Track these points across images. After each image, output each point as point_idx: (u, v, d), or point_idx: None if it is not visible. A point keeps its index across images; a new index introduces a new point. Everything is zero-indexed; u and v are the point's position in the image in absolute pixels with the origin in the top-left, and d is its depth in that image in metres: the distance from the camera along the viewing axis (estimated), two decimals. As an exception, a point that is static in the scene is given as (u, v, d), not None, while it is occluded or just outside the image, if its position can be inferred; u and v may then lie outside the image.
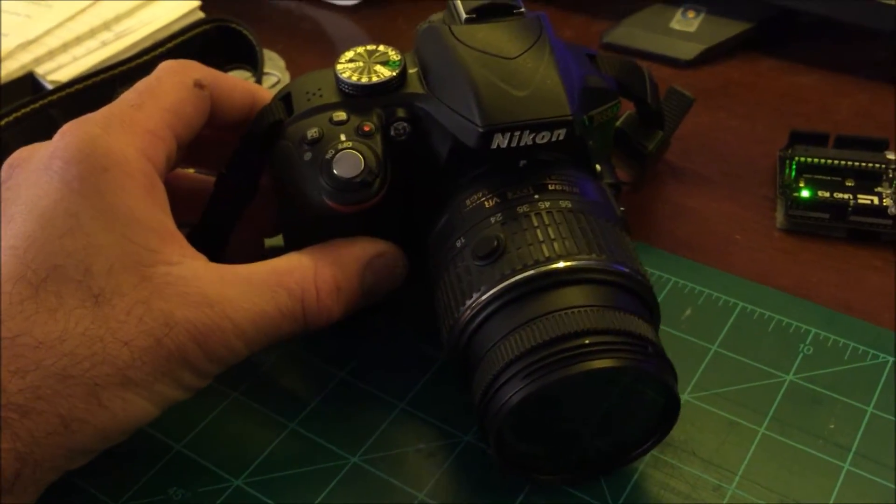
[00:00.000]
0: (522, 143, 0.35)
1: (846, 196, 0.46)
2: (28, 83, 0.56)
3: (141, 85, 0.37)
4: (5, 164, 0.35)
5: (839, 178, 0.47)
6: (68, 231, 0.32)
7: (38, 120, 0.51)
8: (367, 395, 0.39)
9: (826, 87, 0.58)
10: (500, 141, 0.35)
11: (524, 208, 0.35)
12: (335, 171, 0.35)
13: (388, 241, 0.38)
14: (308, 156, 0.36)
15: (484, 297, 0.33)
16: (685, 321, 0.42)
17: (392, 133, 0.37)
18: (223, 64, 0.59)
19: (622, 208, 0.38)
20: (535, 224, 0.34)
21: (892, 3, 0.53)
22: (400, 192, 0.37)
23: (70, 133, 0.34)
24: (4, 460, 0.29)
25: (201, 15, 0.64)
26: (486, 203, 0.36)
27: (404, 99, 0.37)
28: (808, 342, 0.41)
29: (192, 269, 0.33)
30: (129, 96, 0.36)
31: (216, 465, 0.37)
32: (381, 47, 0.38)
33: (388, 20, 0.67)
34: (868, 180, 0.47)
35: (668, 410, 0.34)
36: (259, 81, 0.57)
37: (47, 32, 0.60)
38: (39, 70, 0.57)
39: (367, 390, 0.40)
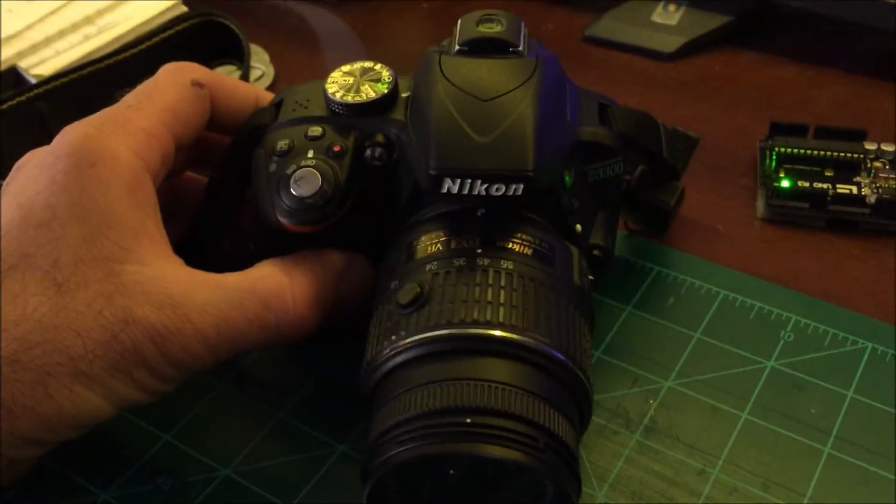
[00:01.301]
0: (476, 193, 0.33)
1: (825, 186, 0.47)
2: (12, 77, 0.56)
3: (140, 87, 0.37)
4: (14, 167, 0.36)
5: (819, 169, 0.48)
6: (44, 222, 0.32)
7: (24, 113, 0.51)
8: (353, 384, 0.39)
9: (805, 79, 0.59)
10: (451, 187, 0.33)
11: (460, 262, 0.32)
12: (291, 189, 0.34)
13: (354, 253, 0.38)
14: (273, 167, 0.35)
15: (398, 345, 0.31)
16: (668, 309, 0.42)
17: (367, 155, 0.36)
18: (210, 58, 0.59)
19: (591, 278, 0.36)
20: (465, 281, 0.32)
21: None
22: (367, 219, 0.36)
23: (66, 132, 0.34)
24: None
25: (184, 9, 0.64)
26: (429, 248, 0.34)
27: (384, 124, 0.36)
28: (789, 329, 0.41)
29: (162, 270, 0.33)
30: (127, 98, 0.37)
31: (205, 454, 0.37)
32: (378, 66, 0.37)
33: (370, 13, 0.67)
34: (847, 170, 0.47)
35: None
36: (245, 75, 0.58)
37: (29, 27, 0.60)
38: (23, 64, 0.57)
39: (352, 379, 0.40)
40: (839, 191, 0.46)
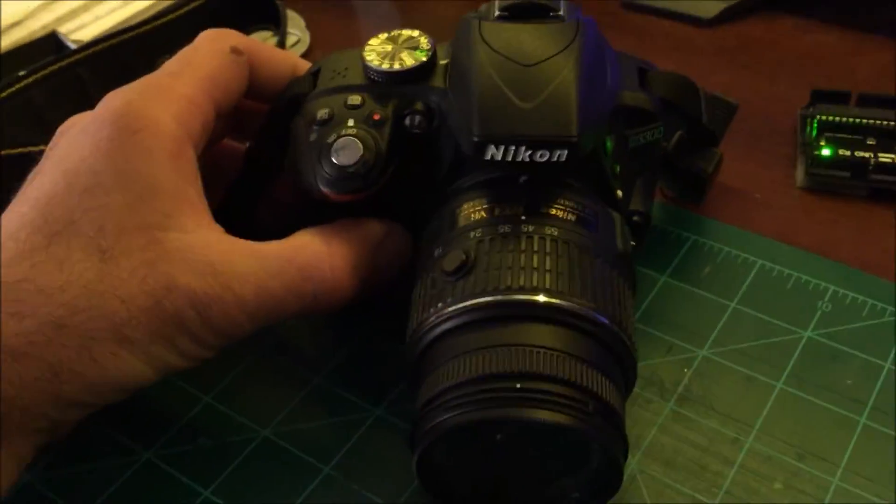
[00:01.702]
0: (520, 159, 0.33)
1: (867, 154, 0.46)
2: (51, 43, 0.57)
3: (180, 54, 0.38)
4: (57, 132, 0.36)
5: (860, 137, 0.47)
6: (88, 188, 0.32)
7: (65, 78, 0.52)
8: (391, 350, 0.40)
9: (847, 45, 0.57)
10: (495, 153, 0.33)
11: (505, 228, 0.32)
12: (332, 158, 0.34)
13: (393, 222, 0.38)
14: (313, 136, 0.35)
15: (443, 313, 0.31)
16: (704, 278, 0.42)
17: (407, 124, 0.36)
18: (247, 24, 0.59)
19: (633, 243, 0.36)
20: (511, 248, 0.32)
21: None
22: (409, 187, 0.36)
23: (109, 99, 0.35)
24: None
25: (222, -26, 0.64)
26: (473, 215, 0.34)
27: (424, 92, 0.36)
28: (826, 299, 0.41)
29: (204, 238, 0.33)
30: (168, 65, 0.37)
31: (244, 416, 0.38)
32: (416, 33, 0.37)
33: (407, -21, 0.67)
34: (889, 139, 0.47)
35: (609, 477, 0.31)
36: (282, 42, 0.58)
37: (69, -8, 0.60)
38: (62, 29, 0.58)
39: (392, 345, 0.40)
40: (881, 160, 0.46)
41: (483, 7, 0.38)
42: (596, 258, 0.32)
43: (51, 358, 0.30)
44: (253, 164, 0.40)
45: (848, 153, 0.46)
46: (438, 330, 0.31)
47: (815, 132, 0.47)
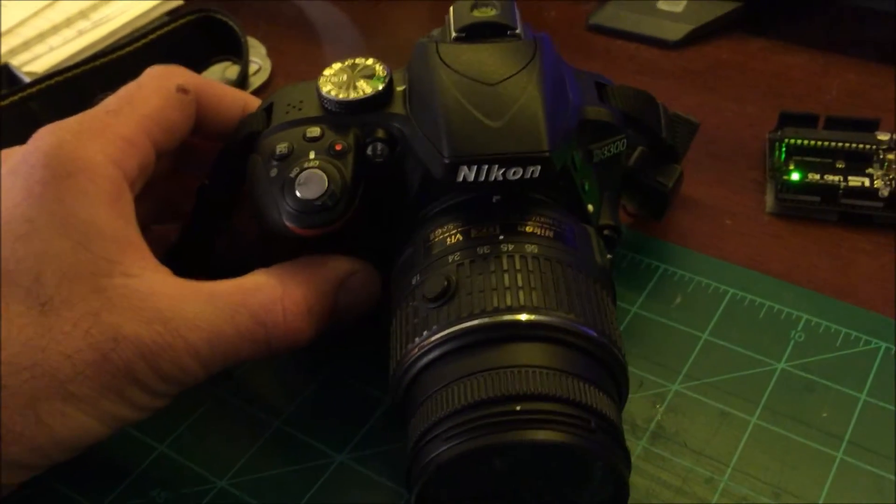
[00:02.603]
0: (492, 178, 0.32)
1: (837, 178, 0.45)
2: (4, 75, 0.55)
3: (122, 91, 0.36)
4: None
5: (830, 160, 0.46)
6: (23, 236, 0.31)
7: (17, 113, 0.50)
8: (354, 392, 0.39)
9: (815, 66, 0.57)
10: (467, 174, 0.32)
11: (484, 250, 0.32)
12: (297, 192, 0.33)
13: (361, 260, 0.36)
14: (274, 172, 0.34)
15: (428, 342, 0.30)
16: (675, 309, 0.41)
17: (369, 153, 0.35)
18: (207, 55, 0.58)
19: (609, 256, 0.35)
20: (492, 269, 0.31)
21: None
22: (376, 213, 0.35)
23: (41, 137, 0.33)
24: None
25: (179, 2, 0.63)
26: (448, 239, 0.33)
27: (384, 119, 0.35)
28: (799, 328, 0.40)
29: (150, 282, 0.32)
30: (108, 101, 0.36)
31: (200, 465, 0.36)
32: (370, 61, 0.36)
33: (371, 4, 0.66)
34: (859, 161, 0.46)
35: (616, 495, 0.31)
36: (245, 72, 0.57)
37: (22, 23, 0.59)
38: (14, 61, 0.56)
39: (353, 386, 0.39)
40: (851, 184, 0.45)
41: (436, 31, 0.37)
42: (578, 272, 0.32)
43: None
44: (206, 204, 0.38)
45: (817, 177, 0.46)
46: (426, 359, 0.31)
47: (783, 156, 0.47)
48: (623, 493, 0.30)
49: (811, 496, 0.34)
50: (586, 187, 0.37)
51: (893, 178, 0.45)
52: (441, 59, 0.34)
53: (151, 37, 0.56)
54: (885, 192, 0.45)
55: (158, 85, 0.36)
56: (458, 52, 0.34)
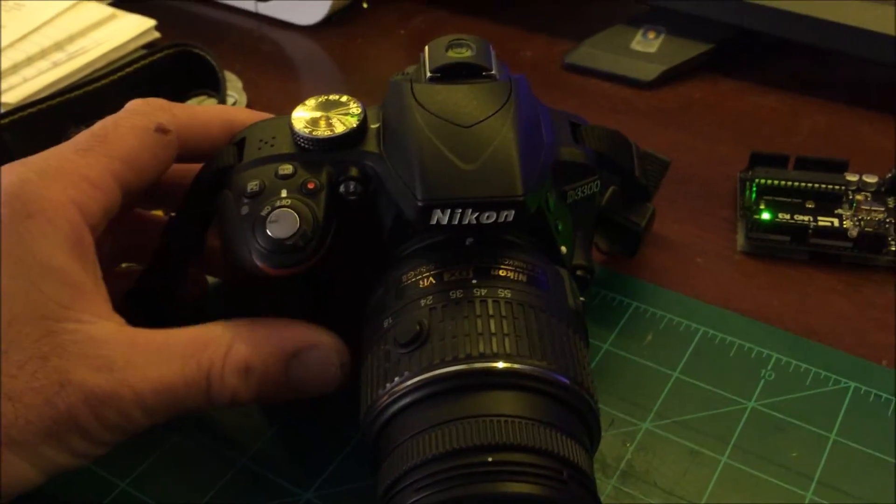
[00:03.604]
0: (466, 222, 0.32)
1: (806, 218, 0.46)
2: (-24, 105, 0.55)
3: (97, 127, 0.35)
4: None
5: (799, 200, 0.47)
6: None
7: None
8: (320, 427, 0.38)
9: (786, 107, 0.58)
10: (441, 217, 0.32)
11: (457, 294, 0.31)
12: (267, 231, 0.33)
13: (332, 334, 0.35)
14: (245, 209, 0.34)
15: (399, 388, 0.30)
16: (646, 347, 0.41)
17: (342, 191, 0.34)
18: (185, 89, 0.58)
19: (582, 299, 0.35)
20: (465, 314, 0.31)
21: (855, 25, 0.53)
22: (347, 256, 0.35)
23: (3, 174, 0.32)
24: None
25: (156, 35, 0.63)
26: (420, 282, 0.33)
27: (358, 157, 0.34)
28: (769, 367, 0.40)
29: (103, 330, 0.31)
30: (79, 139, 0.35)
31: (162, 503, 0.35)
32: (344, 98, 0.36)
33: (348, 40, 0.66)
34: (828, 202, 0.47)
35: None
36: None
37: (-4, 53, 0.58)
38: (-13, 92, 0.56)
39: (321, 423, 0.38)
40: (820, 223, 0.46)
41: (411, 69, 0.37)
42: (551, 317, 0.32)
43: None
44: (172, 242, 0.38)
45: (787, 217, 0.46)
46: (396, 406, 0.30)
47: (754, 195, 0.47)
48: None
49: (781, 537, 0.34)
50: (560, 228, 0.37)
51: (862, 219, 0.45)
52: (416, 98, 0.34)
53: (128, 69, 0.55)
54: (853, 233, 0.45)
55: (135, 123, 0.35)
56: (433, 92, 0.34)
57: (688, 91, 0.60)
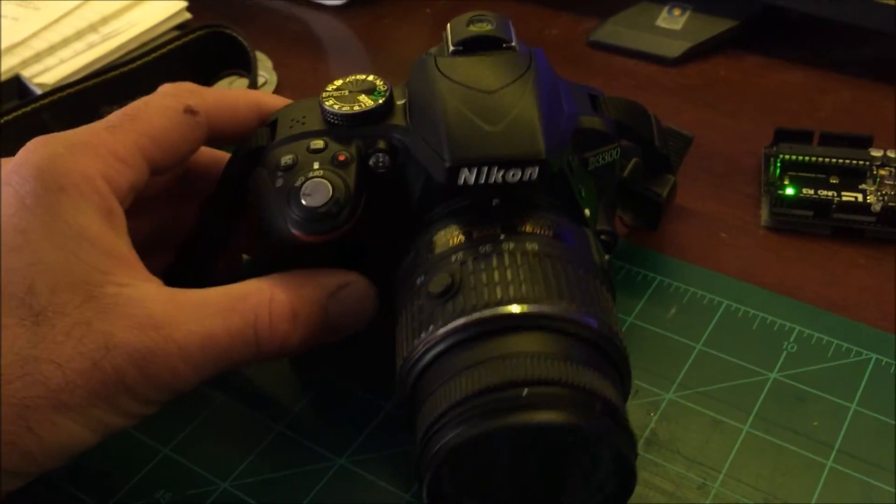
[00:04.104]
0: (492, 181, 0.33)
1: (830, 193, 0.46)
2: (14, 86, 0.56)
3: (128, 107, 0.36)
4: None
5: (823, 176, 0.47)
6: (16, 247, 0.31)
7: (28, 124, 0.51)
8: (354, 397, 0.40)
9: (811, 84, 0.58)
10: (468, 177, 0.33)
11: (486, 248, 0.33)
12: (302, 200, 0.34)
13: (356, 273, 0.37)
14: (279, 182, 0.35)
15: (434, 336, 0.31)
16: (670, 320, 0.42)
17: (371, 164, 0.36)
18: (217, 69, 0.59)
19: (607, 257, 0.36)
20: (495, 265, 0.32)
21: (880, 0, 0.53)
22: (377, 225, 0.36)
23: (33, 149, 0.33)
24: None
25: (188, 16, 0.64)
26: (450, 241, 0.34)
27: (386, 130, 0.36)
28: (792, 340, 0.41)
29: (142, 291, 0.32)
30: (111, 117, 0.36)
31: (203, 468, 0.37)
32: (371, 77, 0.37)
33: (375, 20, 0.67)
34: (852, 177, 0.47)
35: (622, 480, 0.31)
36: (253, 86, 0.57)
37: (34, 35, 0.60)
38: (26, 73, 0.57)
39: (354, 392, 0.40)
40: (844, 199, 0.46)
41: (434, 49, 0.38)
42: (578, 269, 0.33)
43: None
44: (209, 219, 0.39)
45: (811, 192, 0.46)
46: (431, 354, 0.31)
47: (778, 171, 0.48)
48: (630, 481, 0.31)
49: (801, 502, 0.35)
50: (583, 193, 0.38)
51: (886, 194, 0.46)
52: (440, 70, 0.35)
53: (162, 51, 0.57)
54: (877, 207, 0.45)
55: (165, 104, 0.36)
56: (456, 64, 0.36)
57: (713, 68, 0.60)
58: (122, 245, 0.33)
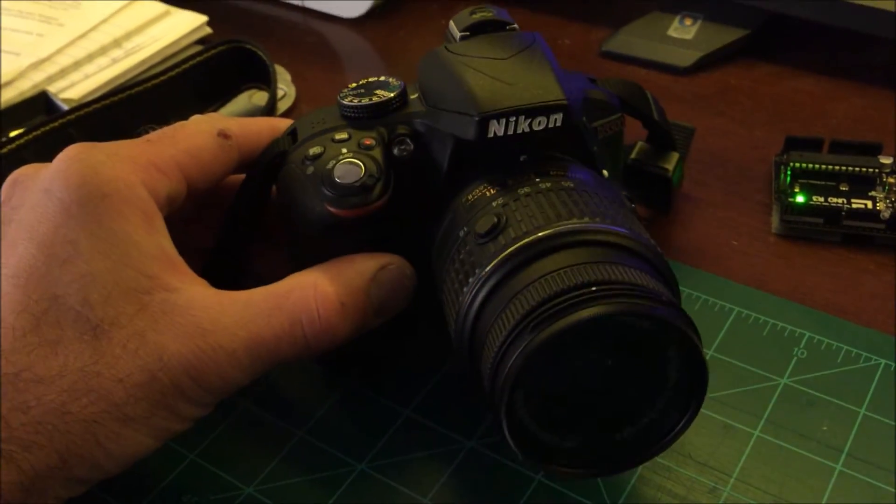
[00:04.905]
0: (519, 130, 0.35)
1: (840, 201, 0.47)
2: (41, 102, 0.58)
3: (165, 128, 0.38)
4: (8, 180, 0.35)
5: (833, 183, 0.48)
6: (67, 259, 0.32)
7: (57, 138, 0.52)
8: (373, 403, 0.41)
9: (821, 91, 0.59)
10: (497, 129, 0.35)
11: (525, 189, 0.34)
12: (336, 179, 0.35)
13: (389, 254, 0.37)
14: (310, 170, 0.36)
15: (484, 272, 0.32)
16: (682, 326, 0.43)
17: (395, 151, 0.37)
18: (237, 83, 0.60)
19: (625, 193, 0.37)
20: (535, 201, 0.34)
21: (889, 9, 0.54)
22: (406, 208, 0.37)
23: (73, 157, 0.34)
24: (9, 493, 0.29)
25: (208, 30, 0.66)
26: (486, 193, 0.35)
27: (405, 117, 0.38)
28: (802, 346, 0.42)
29: (189, 296, 0.33)
30: (149, 134, 0.37)
31: (228, 473, 0.38)
32: (383, 77, 0.39)
33: (391, 31, 0.68)
34: (862, 185, 0.48)
35: (695, 376, 0.32)
36: (273, 99, 0.59)
37: (59, 51, 0.61)
38: (52, 88, 0.59)
39: (373, 398, 0.41)
40: (854, 206, 0.47)
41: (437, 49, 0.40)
42: (613, 201, 0.35)
43: (58, 446, 0.30)
44: (232, 222, 0.40)
45: (821, 200, 0.47)
46: (486, 288, 0.32)
47: (788, 179, 0.48)
48: (703, 374, 0.32)
49: (811, 506, 0.36)
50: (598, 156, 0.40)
51: (895, 201, 0.47)
52: (452, 53, 0.37)
53: (185, 66, 0.58)
54: (886, 214, 0.46)
55: (201, 128, 0.38)
56: (467, 45, 0.38)
57: (724, 77, 0.61)
58: (167, 247, 0.34)
